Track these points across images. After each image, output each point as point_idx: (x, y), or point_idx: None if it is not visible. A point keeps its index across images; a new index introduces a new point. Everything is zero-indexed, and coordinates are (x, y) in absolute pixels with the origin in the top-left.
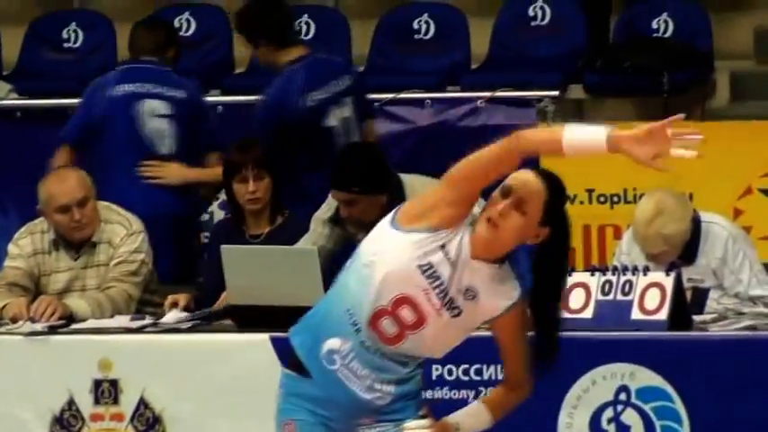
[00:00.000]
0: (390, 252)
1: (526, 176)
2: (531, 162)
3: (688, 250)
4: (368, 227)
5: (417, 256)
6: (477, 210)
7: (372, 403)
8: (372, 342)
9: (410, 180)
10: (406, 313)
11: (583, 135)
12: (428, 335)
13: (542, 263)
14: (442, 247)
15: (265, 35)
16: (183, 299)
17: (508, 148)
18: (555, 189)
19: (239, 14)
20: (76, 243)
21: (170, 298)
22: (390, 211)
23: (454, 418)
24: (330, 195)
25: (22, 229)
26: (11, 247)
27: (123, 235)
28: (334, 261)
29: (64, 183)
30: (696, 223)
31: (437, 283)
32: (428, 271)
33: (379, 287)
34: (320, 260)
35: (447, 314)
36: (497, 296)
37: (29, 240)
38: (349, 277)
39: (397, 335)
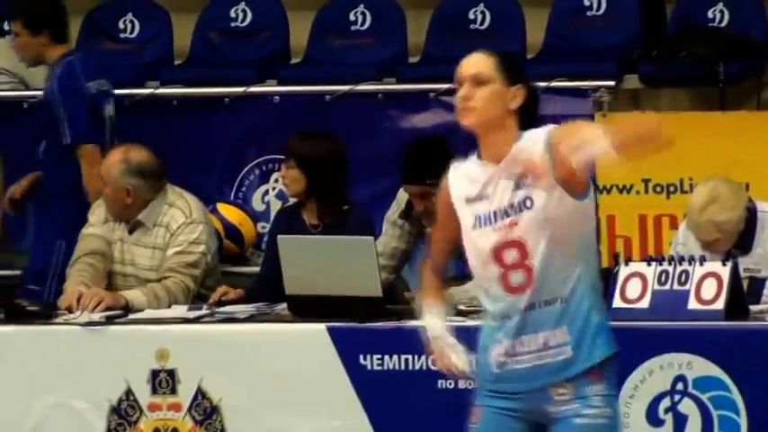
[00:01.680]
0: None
1: (467, 59)
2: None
3: (744, 239)
4: None
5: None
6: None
7: (557, 363)
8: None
9: None
10: (507, 255)
11: None
12: (537, 245)
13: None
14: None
15: (50, 26)
16: (233, 292)
17: None
18: (499, 52)
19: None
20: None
21: (220, 289)
22: None
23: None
24: (398, 194)
25: (99, 200)
26: (89, 216)
27: (182, 222)
28: (409, 260)
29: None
30: (752, 212)
31: (492, 216)
32: (480, 220)
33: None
34: (396, 261)
35: (527, 214)
36: (533, 153)
37: (103, 209)
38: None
39: (526, 277)
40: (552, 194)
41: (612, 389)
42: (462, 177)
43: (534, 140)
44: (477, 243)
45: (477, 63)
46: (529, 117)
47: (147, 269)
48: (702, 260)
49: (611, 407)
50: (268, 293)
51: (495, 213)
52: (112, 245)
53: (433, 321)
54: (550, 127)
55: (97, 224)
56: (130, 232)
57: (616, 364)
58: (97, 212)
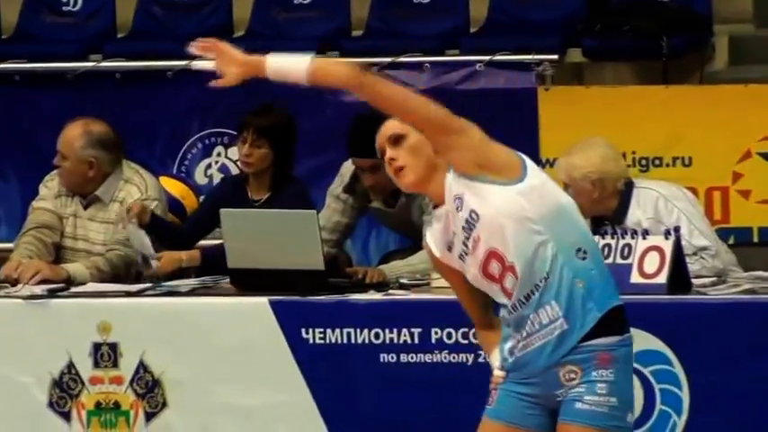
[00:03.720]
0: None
1: (379, 132)
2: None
3: (618, 211)
4: (389, 194)
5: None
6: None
7: (554, 339)
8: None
9: None
10: (492, 269)
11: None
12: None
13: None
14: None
15: None
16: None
17: None
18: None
19: None
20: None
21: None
22: None
23: None
24: (342, 168)
25: (53, 172)
26: (41, 188)
27: (137, 198)
28: (353, 234)
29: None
30: (628, 187)
31: (462, 248)
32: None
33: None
34: (338, 236)
35: (479, 226)
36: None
37: (56, 182)
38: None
39: (514, 276)
40: (485, 197)
41: (621, 375)
42: (433, 235)
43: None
44: (472, 276)
45: (388, 127)
46: None
47: (100, 244)
48: (645, 234)
49: (616, 396)
50: (178, 246)
51: (463, 244)
52: (64, 219)
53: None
54: None
55: (49, 198)
56: (86, 207)
57: (630, 350)
58: (50, 185)
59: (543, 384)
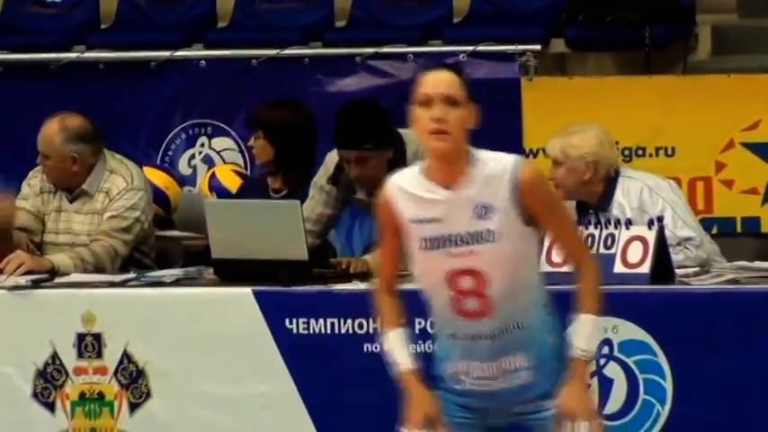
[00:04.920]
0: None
1: (434, 77)
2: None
3: (603, 198)
4: (375, 185)
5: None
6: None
7: (514, 387)
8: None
9: (407, 133)
10: (462, 281)
11: None
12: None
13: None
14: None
15: None
16: None
17: None
18: (456, 69)
19: None
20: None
21: None
22: (395, 166)
23: (576, 351)
24: (326, 158)
25: (36, 168)
26: (24, 186)
27: (122, 188)
28: (336, 225)
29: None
30: (615, 175)
31: (445, 240)
32: (429, 243)
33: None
34: (321, 227)
35: (489, 246)
36: (496, 191)
37: (38, 180)
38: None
39: (481, 305)
40: (512, 228)
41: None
42: (406, 196)
43: (497, 176)
44: (427, 265)
45: (448, 83)
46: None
47: (84, 235)
48: (628, 224)
49: None
50: None
51: (450, 238)
52: (46, 216)
53: (400, 355)
54: (516, 163)
55: (30, 196)
56: (72, 201)
57: None
58: (32, 183)
59: (491, 413)
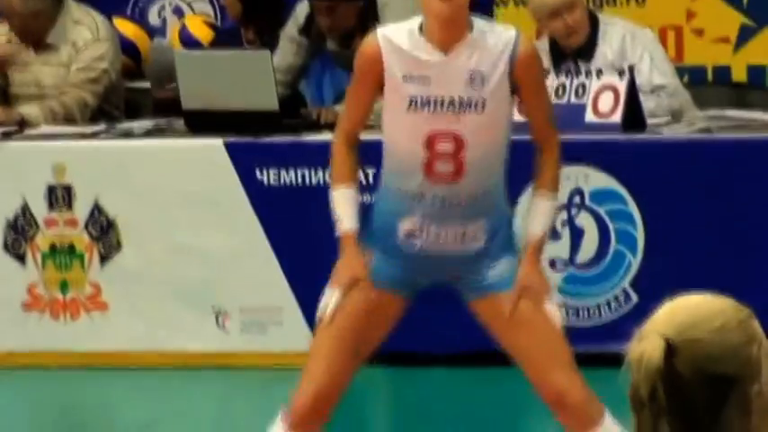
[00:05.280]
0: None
1: None
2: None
3: (586, 47)
4: (345, 35)
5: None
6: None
7: (469, 252)
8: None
9: None
10: (440, 144)
11: None
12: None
13: None
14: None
15: None
16: None
17: None
18: None
19: None
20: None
21: None
22: (366, 16)
23: (534, 235)
24: (296, 9)
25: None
26: None
27: (89, 39)
28: (306, 76)
29: None
30: (594, 21)
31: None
32: (415, 103)
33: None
34: (291, 77)
35: (477, 115)
36: (496, 62)
37: (5, 29)
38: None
39: (454, 169)
40: (501, 99)
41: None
42: (397, 51)
43: (498, 48)
44: (406, 125)
45: None
46: None
47: (52, 87)
48: (599, 73)
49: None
50: None
51: (437, 101)
52: (13, 67)
53: (344, 214)
54: (517, 38)
55: None
56: (37, 53)
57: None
58: (1, 30)
59: (435, 275)
